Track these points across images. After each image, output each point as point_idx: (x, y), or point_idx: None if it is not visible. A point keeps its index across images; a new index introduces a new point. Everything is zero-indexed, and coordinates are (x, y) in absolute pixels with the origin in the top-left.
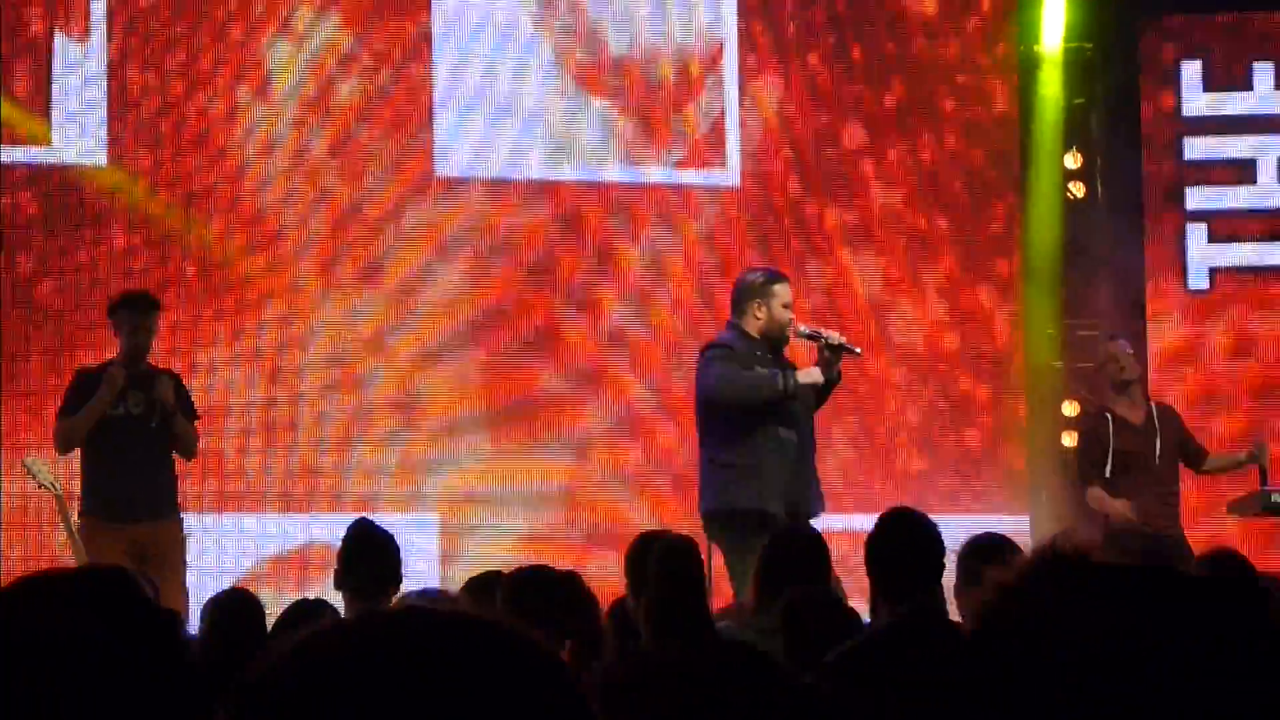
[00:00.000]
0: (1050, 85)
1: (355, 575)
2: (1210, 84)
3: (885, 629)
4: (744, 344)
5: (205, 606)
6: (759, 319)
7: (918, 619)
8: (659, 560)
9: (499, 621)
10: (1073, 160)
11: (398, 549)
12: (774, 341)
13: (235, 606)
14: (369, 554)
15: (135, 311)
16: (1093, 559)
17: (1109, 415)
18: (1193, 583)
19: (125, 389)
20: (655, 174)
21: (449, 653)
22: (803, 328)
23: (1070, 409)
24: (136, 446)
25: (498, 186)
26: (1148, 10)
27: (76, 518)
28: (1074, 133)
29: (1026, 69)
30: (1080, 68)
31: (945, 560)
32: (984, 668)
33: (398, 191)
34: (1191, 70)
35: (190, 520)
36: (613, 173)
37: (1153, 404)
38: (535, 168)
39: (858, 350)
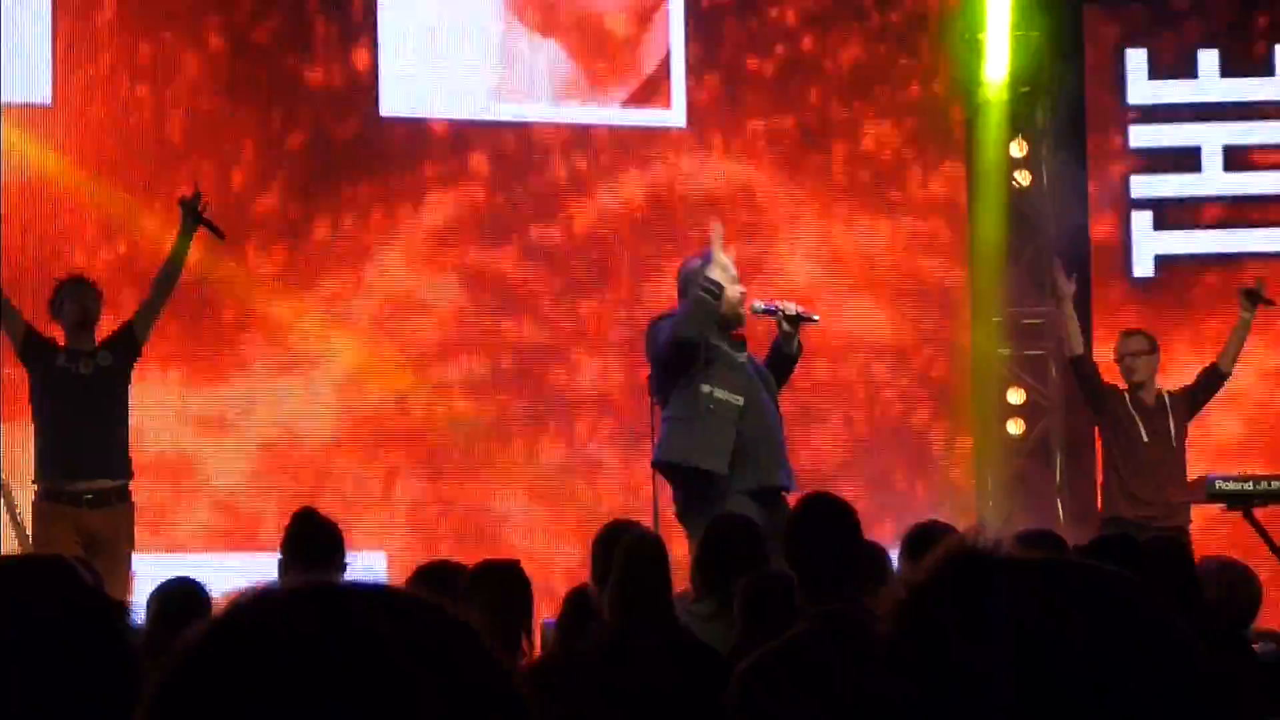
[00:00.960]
0: (995, 73)
1: (298, 561)
2: (1155, 72)
3: (802, 637)
4: None
5: (151, 595)
6: None
7: (836, 625)
8: (625, 554)
9: (416, 594)
10: (1018, 149)
11: (341, 536)
12: (728, 322)
13: (182, 595)
14: (312, 539)
15: (79, 284)
16: (1003, 554)
17: (1124, 394)
18: (1084, 570)
19: (77, 358)
20: (601, 114)
21: (371, 623)
22: (757, 303)
23: (1016, 396)
24: (86, 407)
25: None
26: None
27: (35, 499)
28: (1019, 121)
29: (971, 57)
30: (1025, 56)
31: (860, 550)
32: (896, 670)
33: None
34: (1136, 58)
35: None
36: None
37: (1165, 394)
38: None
39: (816, 317)
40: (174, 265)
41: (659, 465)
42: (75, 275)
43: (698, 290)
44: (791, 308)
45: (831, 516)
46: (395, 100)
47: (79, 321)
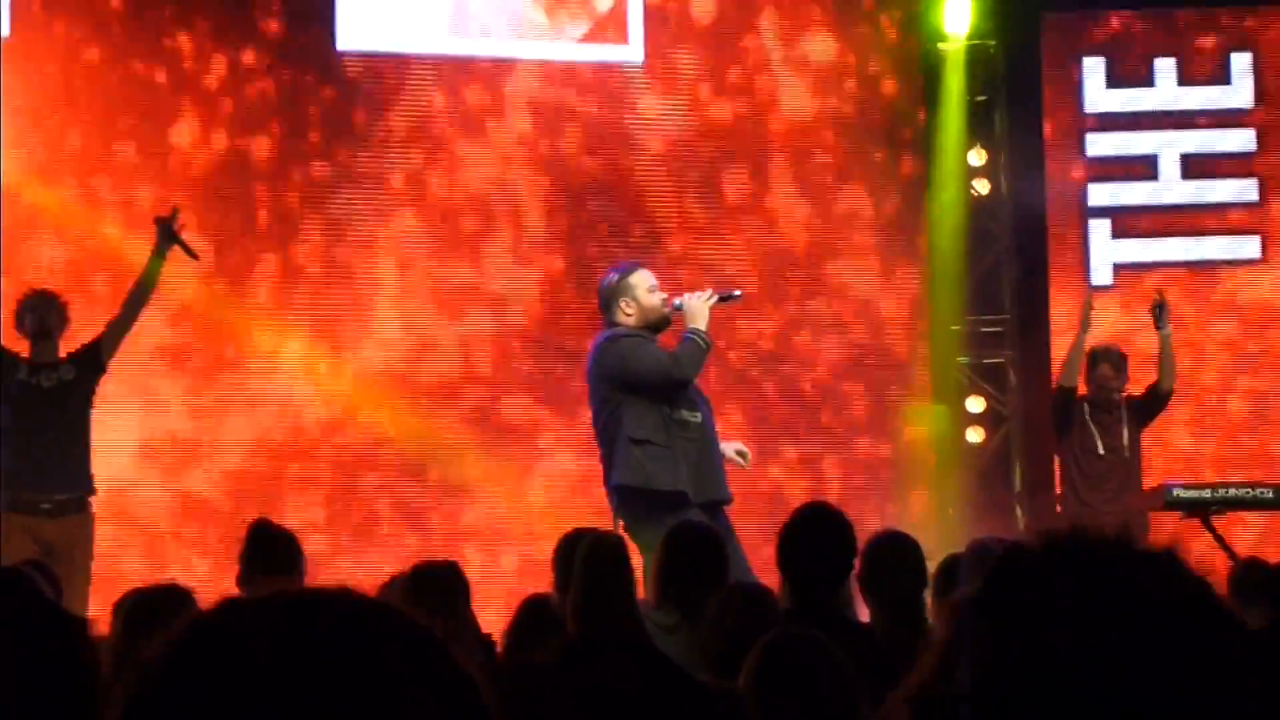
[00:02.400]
0: (953, 81)
1: (255, 570)
2: (1113, 80)
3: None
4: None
5: (118, 605)
6: (631, 314)
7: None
8: (586, 555)
9: (382, 602)
10: (977, 157)
11: (299, 544)
12: (655, 328)
13: (155, 606)
14: (269, 548)
15: (40, 297)
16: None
17: (1083, 403)
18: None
19: (39, 370)
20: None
21: (337, 632)
22: (676, 301)
23: (975, 405)
24: (48, 420)
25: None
26: (1051, 6)
27: None
28: (977, 129)
29: (930, 65)
30: (983, 64)
31: (854, 560)
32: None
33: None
34: (1094, 66)
35: None
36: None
37: (1125, 401)
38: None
39: (738, 293)
40: (146, 285)
41: (620, 488)
42: (37, 289)
43: (699, 340)
44: (708, 295)
45: (832, 526)
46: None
47: (38, 333)
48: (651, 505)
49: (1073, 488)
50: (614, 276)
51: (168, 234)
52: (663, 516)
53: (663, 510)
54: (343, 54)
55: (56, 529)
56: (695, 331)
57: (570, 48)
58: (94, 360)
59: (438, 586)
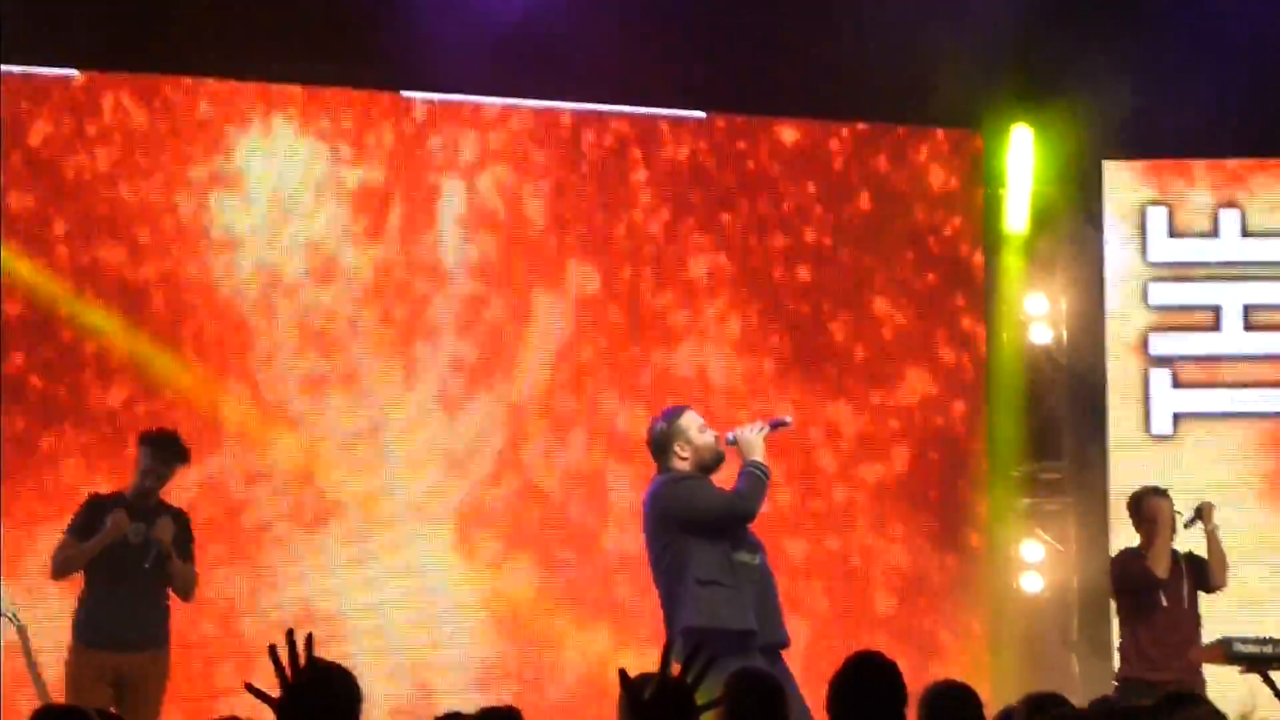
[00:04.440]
0: (1016, 228)
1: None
2: (1175, 229)
3: None
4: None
5: None
6: (686, 457)
7: None
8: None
9: None
10: (1036, 304)
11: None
12: (709, 469)
13: None
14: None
15: (155, 452)
16: None
17: (1144, 550)
18: None
19: (130, 518)
20: None
21: None
22: (729, 436)
23: (1032, 552)
24: (130, 578)
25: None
26: (1115, 154)
27: (70, 645)
28: (1038, 276)
29: (992, 210)
30: (1046, 211)
31: (904, 710)
32: None
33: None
34: (1157, 215)
35: None
36: None
37: (1182, 554)
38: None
39: (788, 419)
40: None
41: (689, 631)
42: (162, 438)
43: (758, 473)
44: (759, 426)
45: (880, 676)
46: None
47: (138, 495)
48: (717, 647)
49: (1134, 640)
50: (662, 424)
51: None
52: (726, 660)
53: (726, 653)
54: None
55: (131, 662)
56: (754, 464)
57: None
58: (187, 550)
59: None
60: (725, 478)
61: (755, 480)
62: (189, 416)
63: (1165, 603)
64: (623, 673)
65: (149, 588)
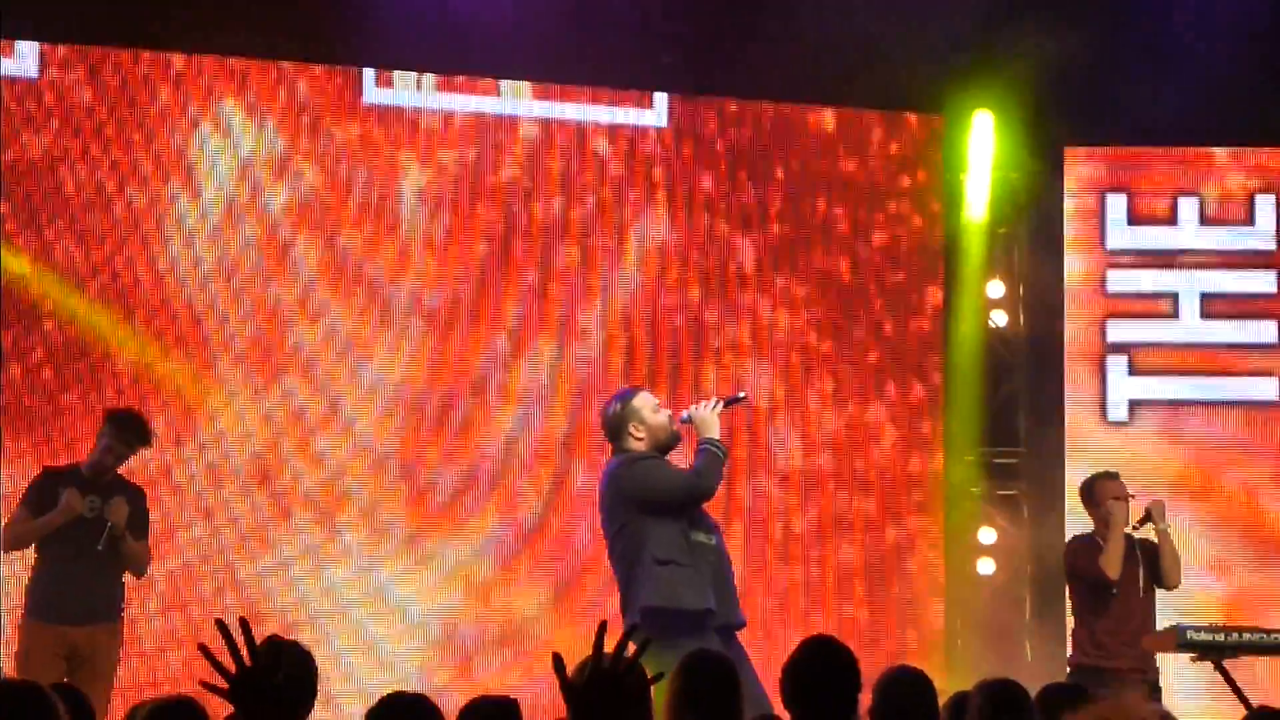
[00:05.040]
0: (976, 213)
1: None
2: (1135, 217)
3: None
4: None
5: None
6: (641, 438)
7: None
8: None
9: None
10: (996, 288)
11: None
12: (665, 448)
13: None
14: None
15: (117, 430)
16: None
17: (1098, 538)
18: None
19: (84, 492)
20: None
21: None
22: (684, 414)
23: (987, 535)
24: (84, 554)
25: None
26: (1075, 142)
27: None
28: (997, 261)
29: (952, 196)
30: (1006, 197)
31: (858, 695)
32: None
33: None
34: (1116, 203)
35: None
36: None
37: (1135, 539)
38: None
39: (743, 394)
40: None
41: (649, 611)
42: (125, 417)
43: (716, 450)
44: (713, 403)
45: (834, 660)
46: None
47: (96, 472)
48: (673, 627)
49: (1087, 629)
50: (616, 405)
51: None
52: (682, 640)
53: (683, 632)
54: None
55: (83, 634)
56: (710, 441)
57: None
58: (142, 528)
59: None
60: (680, 458)
61: (713, 458)
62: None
63: (1115, 590)
64: (556, 657)
65: (103, 563)
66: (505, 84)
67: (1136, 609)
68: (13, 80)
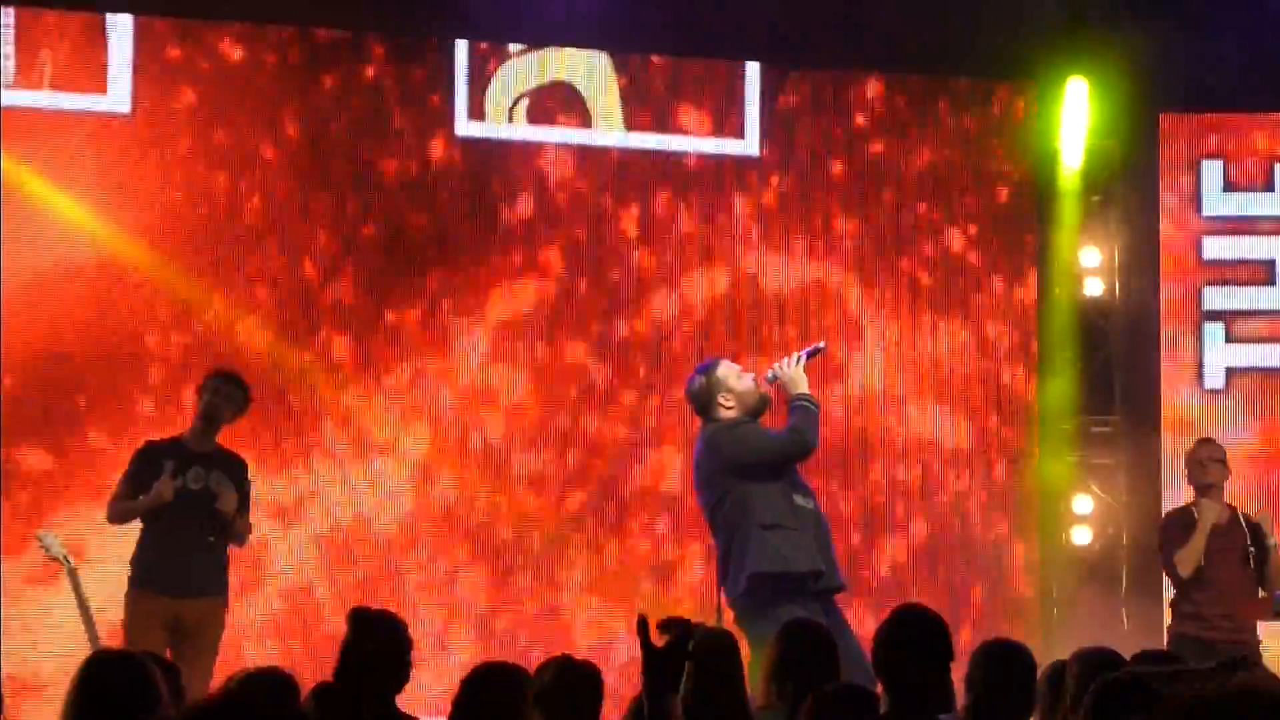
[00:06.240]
0: (1070, 181)
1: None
2: (1231, 183)
3: None
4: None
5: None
6: (731, 406)
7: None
8: (696, 653)
9: None
10: (1090, 257)
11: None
12: (756, 412)
13: (115, 672)
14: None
15: (223, 379)
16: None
17: (1194, 509)
18: None
19: (187, 465)
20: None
21: None
22: (769, 374)
23: (1083, 504)
24: (189, 525)
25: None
26: (1170, 107)
27: (127, 588)
28: (1093, 229)
29: (1046, 163)
30: (1101, 163)
31: (950, 664)
32: None
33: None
34: (1212, 169)
35: None
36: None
37: (1239, 512)
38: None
39: (822, 344)
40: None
41: (757, 577)
42: (226, 372)
43: (808, 405)
44: (797, 357)
45: (925, 629)
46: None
47: (208, 418)
48: (781, 591)
49: (1187, 598)
50: (700, 378)
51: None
52: (784, 604)
53: (787, 596)
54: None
55: (190, 607)
56: (802, 396)
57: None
58: (245, 502)
59: (571, 688)
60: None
61: (807, 413)
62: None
63: (1208, 566)
64: (641, 619)
65: (208, 535)
66: (596, 113)
67: (1236, 580)
68: None
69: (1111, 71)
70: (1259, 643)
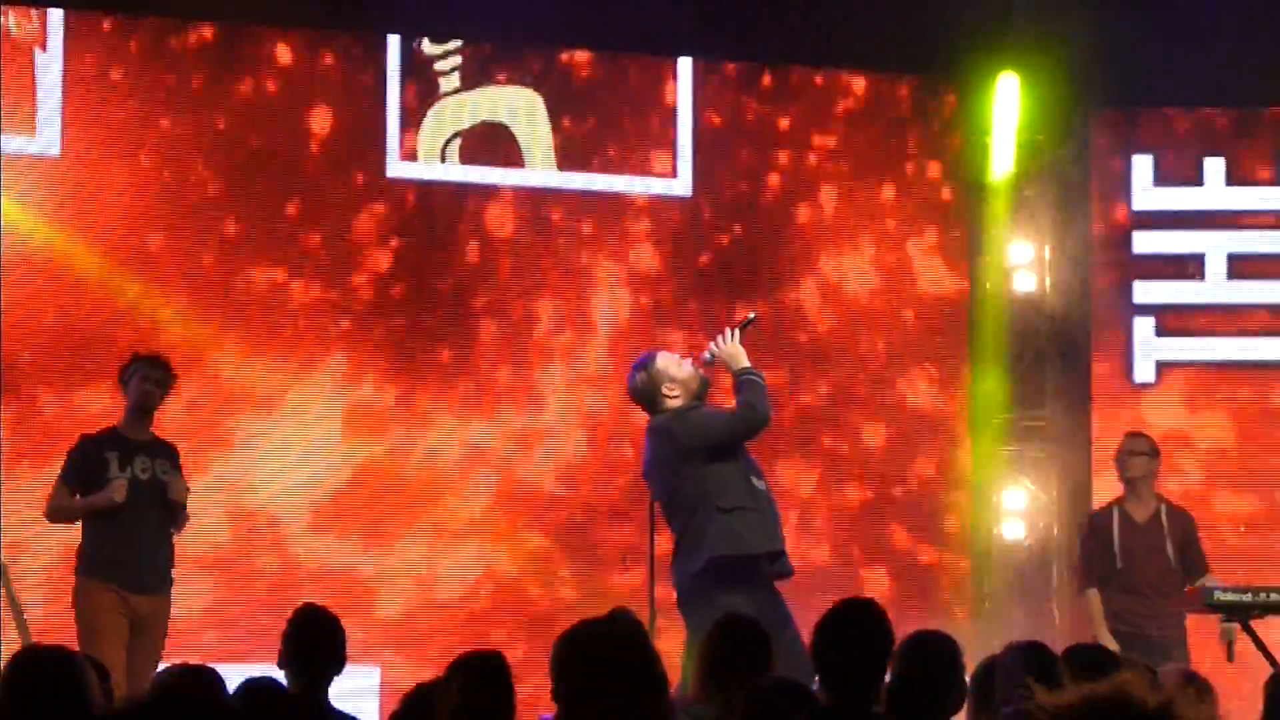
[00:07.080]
0: (1001, 176)
1: (300, 655)
2: (1160, 178)
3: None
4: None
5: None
6: (677, 394)
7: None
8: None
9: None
10: (1022, 251)
11: (343, 633)
12: (701, 396)
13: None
14: (315, 636)
15: (148, 364)
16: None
17: (1115, 510)
18: None
19: (130, 455)
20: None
21: None
22: (705, 355)
23: (1015, 499)
24: (145, 517)
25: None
26: (1100, 104)
27: (76, 577)
28: (1023, 224)
29: (976, 158)
30: (1030, 159)
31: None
32: None
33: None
34: (1142, 164)
35: None
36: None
37: (1163, 504)
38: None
39: (753, 315)
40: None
41: (718, 560)
42: (152, 355)
43: (754, 378)
44: (730, 334)
45: (869, 623)
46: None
47: (141, 408)
48: (735, 575)
49: (1108, 588)
50: (640, 374)
51: None
52: (740, 593)
53: (744, 581)
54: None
55: (147, 604)
56: (745, 370)
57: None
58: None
59: (476, 676)
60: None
61: (755, 386)
62: None
63: (1136, 553)
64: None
65: (162, 533)
66: (531, 156)
67: (1158, 576)
68: None
69: (1042, 67)
70: (1185, 636)
